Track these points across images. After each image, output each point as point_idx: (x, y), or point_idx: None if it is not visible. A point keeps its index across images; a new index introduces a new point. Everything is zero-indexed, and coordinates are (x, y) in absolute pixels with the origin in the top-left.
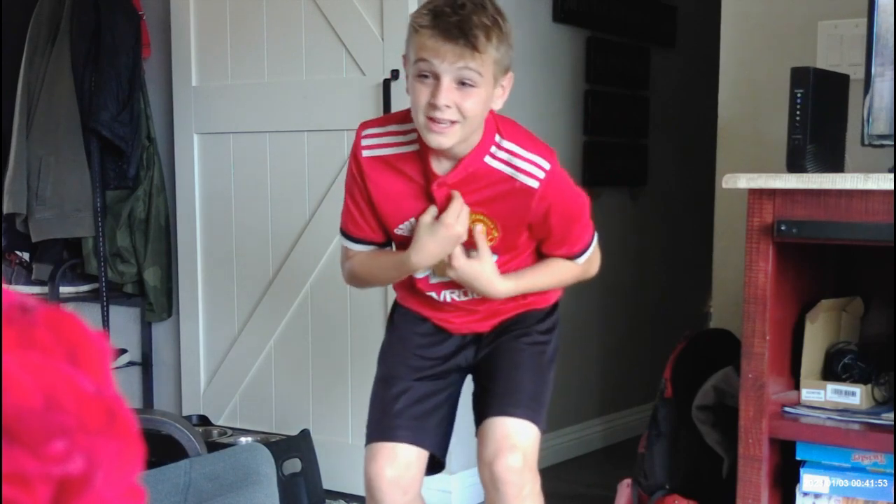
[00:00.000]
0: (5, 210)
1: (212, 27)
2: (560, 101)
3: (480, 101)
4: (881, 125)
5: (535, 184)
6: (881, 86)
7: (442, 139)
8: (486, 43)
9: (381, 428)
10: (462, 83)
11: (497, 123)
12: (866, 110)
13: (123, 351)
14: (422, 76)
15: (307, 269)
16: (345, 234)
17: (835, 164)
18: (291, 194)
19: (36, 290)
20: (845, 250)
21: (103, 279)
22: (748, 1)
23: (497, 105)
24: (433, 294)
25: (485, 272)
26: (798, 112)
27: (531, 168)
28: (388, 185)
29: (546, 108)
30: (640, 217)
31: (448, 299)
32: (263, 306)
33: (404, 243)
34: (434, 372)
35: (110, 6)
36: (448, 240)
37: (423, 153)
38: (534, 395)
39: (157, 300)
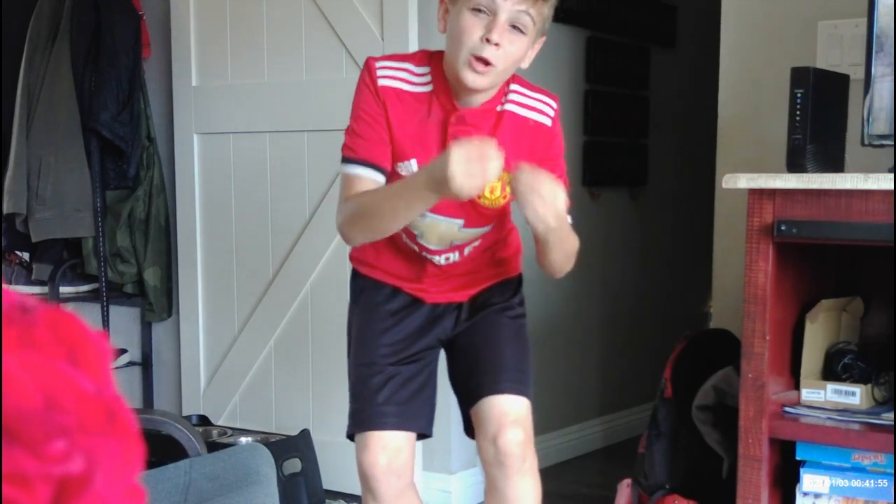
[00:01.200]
0: (5, 210)
1: (212, 27)
2: (560, 101)
3: (521, 50)
4: (881, 125)
5: (548, 121)
6: (881, 86)
7: (480, 79)
8: None
9: (369, 416)
10: (514, 26)
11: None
12: (866, 110)
13: (123, 351)
14: (476, 10)
15: (307, 269)
16: (353, 159)
17: (835, 164)
18: (291, 194)
19: (36, 290)
20: (845, 250)
21: (103, 279)
22: (748, 1)
23: (525, 64)
24: (430, 256)
25: (558, 193)
26: (798, 112)
27: (542, 106)
28: (402, 117)
29: None
30: (640, 217)
31: (442, 261)
32: (263, 306)
33: None
34: (412, 351)
35: (110, 6)
36: (488, 167)
37: (440, 92)
38: (523, 368)
39: (157, 300)
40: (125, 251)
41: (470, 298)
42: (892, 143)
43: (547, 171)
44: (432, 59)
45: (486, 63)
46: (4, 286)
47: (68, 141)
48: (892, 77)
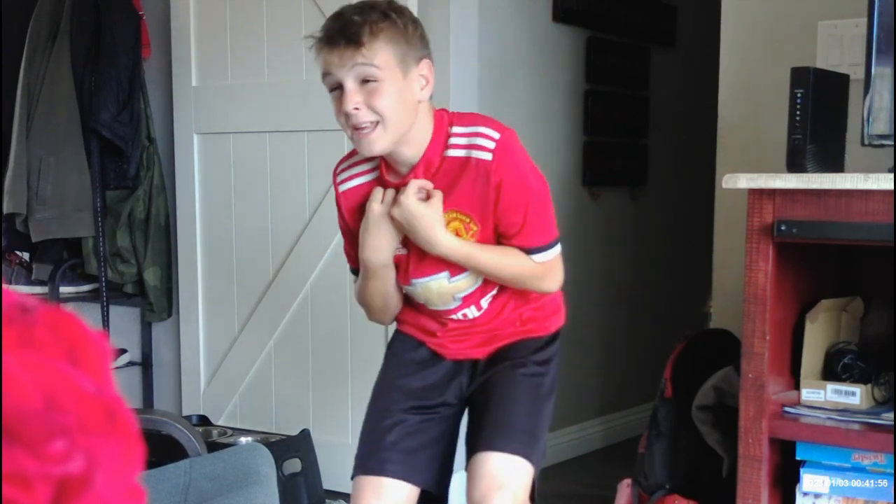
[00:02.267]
0: (5, 210)
1: (212, 27)
2: (560, 101)
3: (392, 96)
4: (881, 125)
5: (487, 155)
6: (881, 86)
7: (372, 146)
8: (371, 36)
9: (370, 461)
10: (364, 81)
11: (450, 118)
12: (866, 110)
13: (123, 351)
14: (332, 91)
15: (307, 269)
16: (352, 270)
17: (835, 164)
18: (291, 194)
19: (36, 290)
20: (845, 250)
21: (103, 279)
22: (748, 1)
23: (423, 96)
24: (449, 316)
25: (430, 216)
26: (798, 112)
27: (482, 141)
28: (362, 214)
29: (546, 108)
30: (640, 217)
31: (461, 317)
32: (263, 306)
33: (399, 264)
34: (427, 403)
35: (110, 6)
36: (407, 218)
37: (384, 173)
38: (527, 429)
39: (157, 300)
40: (125, 251)
41: (488, 356)
42: (892, 143)
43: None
44: None
45: (360, 129)
46: (4, 286)
47: (68, 141)
48: (892, 77)
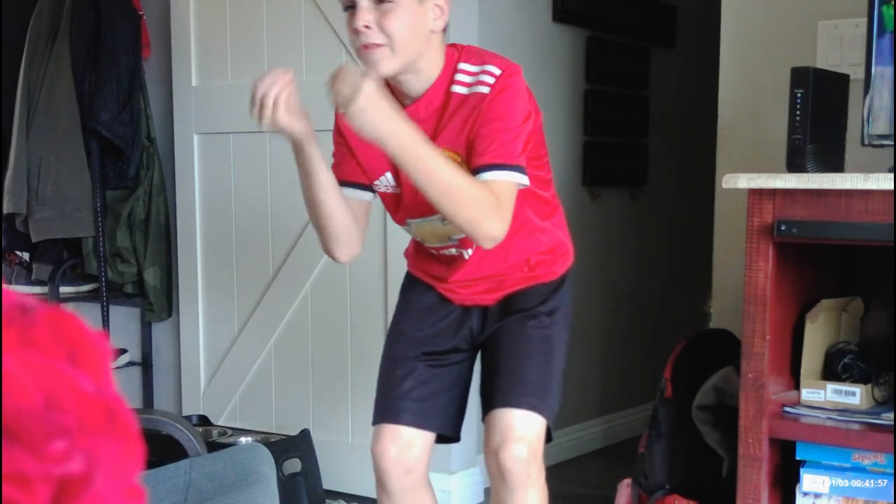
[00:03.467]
0: (5, 210)
1: (212, 27)
2: (560, 101)
3: (404, 19)
4: (881, 125)
5: (486, 90)
6: (881, 86)
7: (378, 66)
8: None
9: (386, 410)
10: (379, 2)
11: (460, 52)
12: (866, 110)
13: (123, 351)
14: (346, 9)
15: (307, 269)
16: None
17: (835, 164)
18: (291, 194)
19: (36, 290)
20: (845, 250)
21: (103, 279)
22: (748, 1)
23: (437, 26)
24: (445, 253)
25: (367, 89)
26: (798, 112)
27: (484, 77)
28: (360, 138)
29: (546, 108)
30: (640, 217)
31: (463, 255)
32: (263, 306)
33: (387, 199)
34: (438, 349)
35: (110, 6)
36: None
37: (390, 96)
38: (540, 383)
39: (157, 300)
40: (125, 251)
41: (497, 302)
42: (892, 143)
43: (489, 137)
44: None
45: (368, 47)
46: (4, 286)
47: (68, 141)
48: (892, 77)
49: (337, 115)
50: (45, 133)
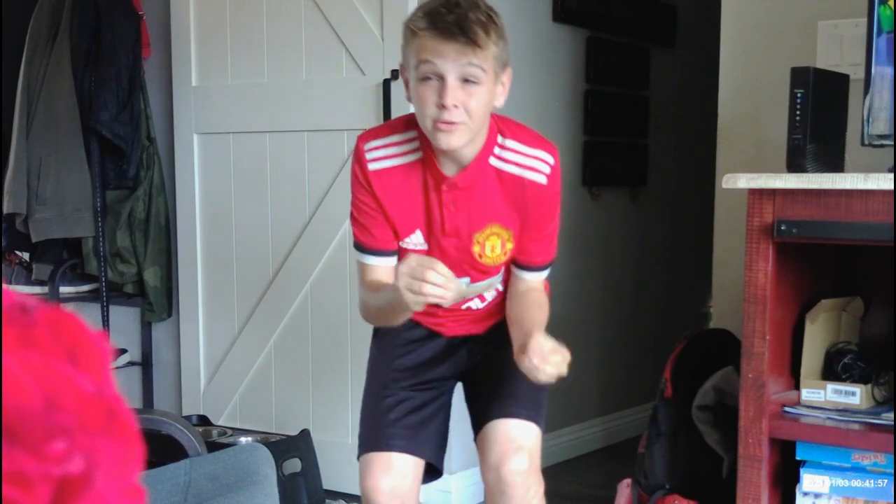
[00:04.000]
0: (5, 210)
1: (212, 27)
2: (560, 101)
3: (484, 98)
4: (881, 125)
5: (543, 179)
6: (881, 86)
7: (451, 139)
8: (486, 38)
9: (376, 438)
10: (466, 80)
11: (498, 123)
12: (866, 110)
13: (123, 351)
14: (426, 79)
15: (307, 269)
16: (359, 247)
17: (835, 164)
18: (291, 194)
19: (36, 290)
20: (845, 250)
21: (103, 279)
22: (748, 1)
23: (499, 102)
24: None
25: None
26: (798, 112)
27: (537, 164)
28: (397, 195)
29: (546, 108)
30: (640, 217)
31: (463, 308)
32: (263, 306)
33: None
34: (425, 378)
35: (110, 6)
36: (426, 283)
37: (429, 160)
38: (532, 397)
39: (157, 300)
40: (125, 251)
41: (487, 330)
42: (892, 143)
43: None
44: (417, 123)
45: (451, 124)
46: (4, 286)
47: (68, 141)
48: (892, 77)
49: (366, 173)
50: (45, 133)
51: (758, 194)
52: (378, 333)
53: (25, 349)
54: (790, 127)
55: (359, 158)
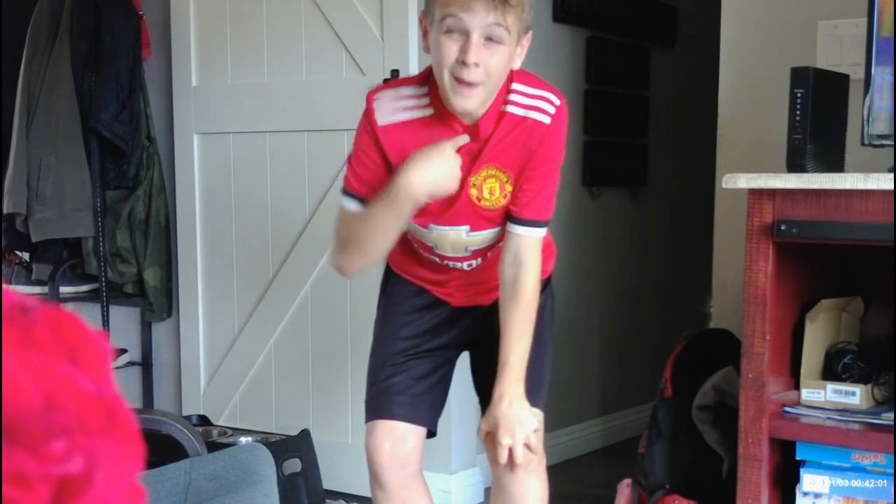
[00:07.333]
0: (5, 210)
1: (212, 27)
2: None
3: (505, 59)
4: (881, 125)
5: (546, 119)
6: (881, 86)
7: (468, 102)
8: None
9: (380, 405)
10: (489, 39)
11: (511, 74)
12: (866, 110)
13: (123, 351)
14: (449, 32)
15: (307, 269)
16: (349, 193)
17: (835, 164)
18: (291, 194)
19: (36, 290)
20: (845, 250)
21: (103, 279)
22: (748, 1)
23: (516, 64)
24: (448, 263)
25: (519, 410)
26: (798, 112)
27: (542, 104)
28: (405, 149)
29: None
30: (640, 217)
31: (466, 267)
32: (263, 306)
33: (416, 215)
34: (429, 347)
35: (110, 6)
36: (445, 169)
37: (441, 115)
38: (534, 377)
39: (157, 300)
40: (125, 251)
41: (494, 302)
42: (892, 143)
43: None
44: (431, 78)
45: (470, 85)
46: (4, 286)
47: (68, 141)
48: (892, 77)
49: (376, 132)
50: (45, 133)
51: (758, 194)
52: (386, 293)
53: (25, 349)
54: (790, 127)
55: (368, 112)
